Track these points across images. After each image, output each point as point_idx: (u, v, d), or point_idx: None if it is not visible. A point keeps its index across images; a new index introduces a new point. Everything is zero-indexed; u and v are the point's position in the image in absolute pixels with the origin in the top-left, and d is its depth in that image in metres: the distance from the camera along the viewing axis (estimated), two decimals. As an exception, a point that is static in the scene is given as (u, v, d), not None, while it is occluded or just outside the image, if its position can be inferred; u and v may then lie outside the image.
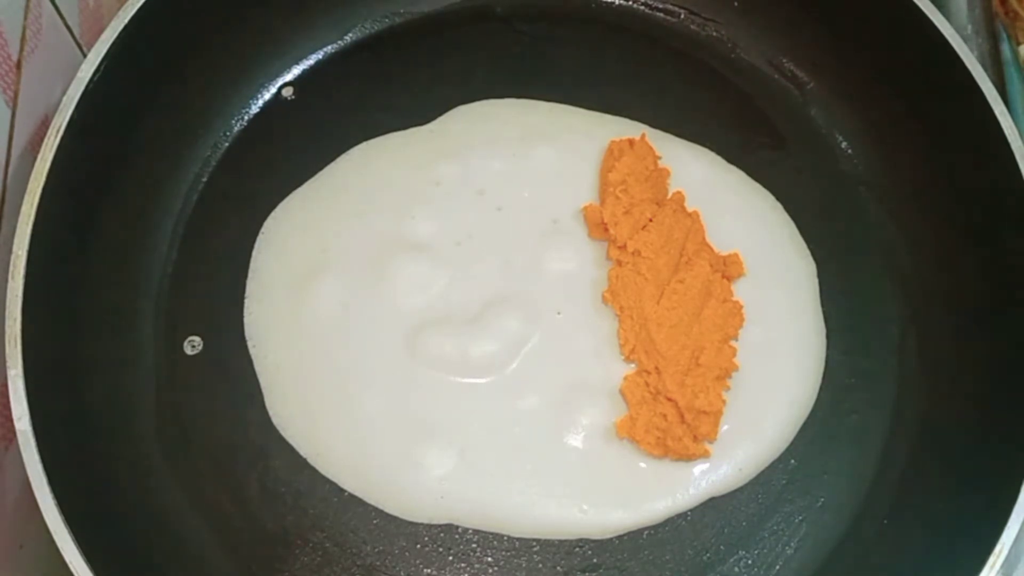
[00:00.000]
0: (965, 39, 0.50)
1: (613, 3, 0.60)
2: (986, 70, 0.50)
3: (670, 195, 0.54)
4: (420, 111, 0.56)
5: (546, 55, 0.58)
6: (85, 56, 0.48)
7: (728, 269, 0.52)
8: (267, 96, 0.57)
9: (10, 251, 0.44)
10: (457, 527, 0.48)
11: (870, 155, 0.56)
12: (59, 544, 0.41)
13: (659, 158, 0.54)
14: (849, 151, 0.56)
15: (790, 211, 0.54)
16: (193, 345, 0.51)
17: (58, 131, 0.46)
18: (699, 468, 0.49)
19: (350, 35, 0.58)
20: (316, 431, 0.49)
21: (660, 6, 0.59)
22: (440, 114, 0.56)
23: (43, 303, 0.44)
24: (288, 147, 0.55)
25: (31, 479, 0.41)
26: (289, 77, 0.57)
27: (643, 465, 0.49)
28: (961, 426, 0.48)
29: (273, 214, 0.54)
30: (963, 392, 0.49)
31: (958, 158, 0.51)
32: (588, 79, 0.57)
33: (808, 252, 0.54)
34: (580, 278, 0.52)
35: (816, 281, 0.53)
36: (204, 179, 0.55)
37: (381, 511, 0.48)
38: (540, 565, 0.48)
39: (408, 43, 0.58)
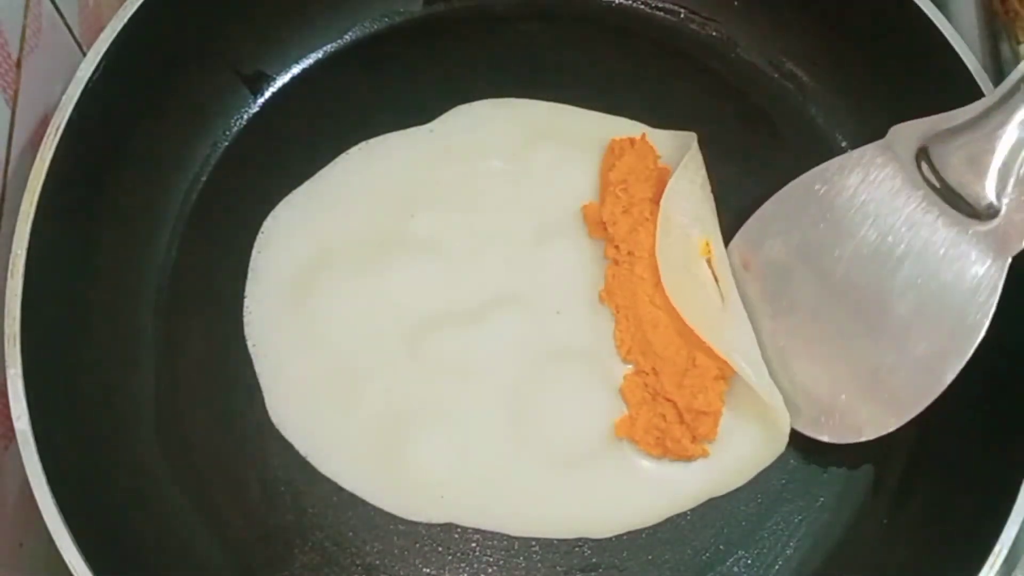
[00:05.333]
0: (965, 39, 0.50)
1: (613, 3, 0.60)
2: (986, 70, 0.50)
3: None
4: (420, 111, 0.56)
5: (546, 55, 0.58)
6: (85, 55, 0.48)
7: (727, 268, 0.52)
8: (267, 96, 0.57)
9: (9, 250, 0.44)
10: (457, 526, 0.48)
11: (870, 155, 0.56)
12: (59, 544, 0.41)
13: (659, 157, 0.54)
14: (849, 151, 0.56)
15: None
16: (192, 345, 0.51)
17: (58, 130, 0.46)
18: (698, 468, 0.49)
19: (350, 35, 0.58)
20: (316, 431, 0.49)
21: (660, 6, 0.59)
22: (440, 114, 0.56)
23: (42, 302, 0.44)
24: (288, 147, 0.55)
25: (30, 479, 0.41)
26: (289, 77, 0.57)
27: (643, 465, 0.49)
28: (961, 426, 0.48)
29: (273, 214, 0.54)
30: (963, 392, 0.49)
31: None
32: (588, 79, 0.57)
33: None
34: (580, 277, 0.52)
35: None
36: (204, 179, 0.55)
37: (381, 510, 0.48)
38: (540, 564, 0.48)
39: (408, 43, 0.58)
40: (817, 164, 0.55)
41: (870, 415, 0.47)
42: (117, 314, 0.50)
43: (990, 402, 0.47)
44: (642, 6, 0.60)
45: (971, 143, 0.45)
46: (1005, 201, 0.45)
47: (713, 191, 0.54)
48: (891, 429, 0.47)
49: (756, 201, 0.53)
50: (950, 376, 0.46)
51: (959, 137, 0.45)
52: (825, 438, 0.48)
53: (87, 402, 0.47)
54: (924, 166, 0.46)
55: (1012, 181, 0.44)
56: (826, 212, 0.49)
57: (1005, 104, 0.44)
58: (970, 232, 0.45)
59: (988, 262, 0.45)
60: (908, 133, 0.47)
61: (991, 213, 0.45)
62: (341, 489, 0.49)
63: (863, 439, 0.48)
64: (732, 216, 0.53)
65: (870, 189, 0.48)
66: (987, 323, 0.45)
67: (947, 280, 0.46)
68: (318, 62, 0.58)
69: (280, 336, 0.51)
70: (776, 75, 0.58)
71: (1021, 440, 0.44)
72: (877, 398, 0.47)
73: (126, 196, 0.51)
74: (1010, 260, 0.45)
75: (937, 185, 0.46)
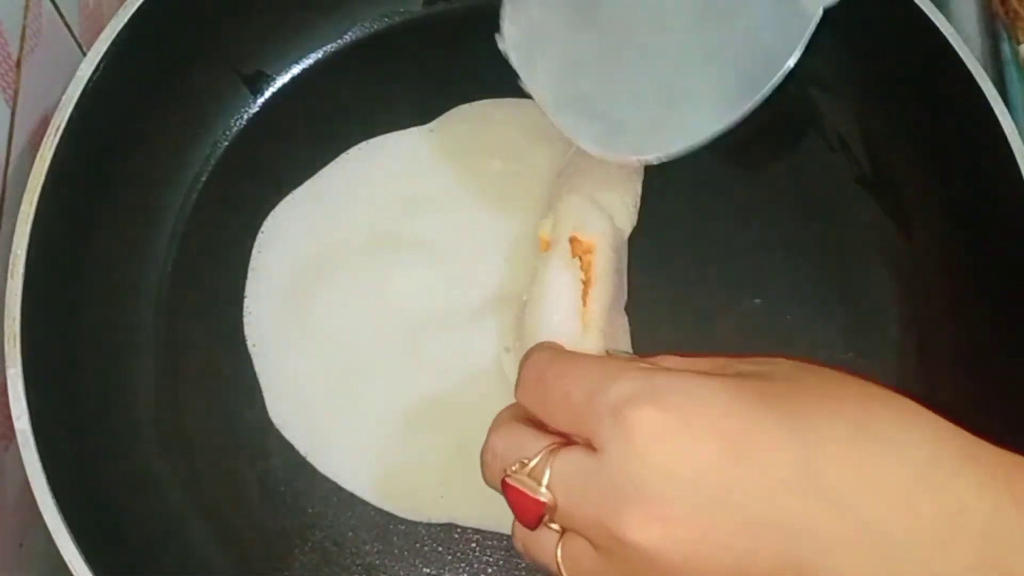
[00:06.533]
0: (965, 39, 0.50)
1: (613, 3, 0.60)
2: (986, 70, 0.50)
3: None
4: (420, 111, 0.56)
5: (546, 55, 0.58)
6: (85, 55, 0.48)
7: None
8: (267, 95, 0.57)
9: (9, 250, 0.44)
10: (457, 526, 0.48)
11: (870, 155, 0.56)
12: (59, 544, 0.41)
13: None
14: (849, 151, 0.56)
15: (789, 210, 0.55)
16: (192, 345, 0.51)
17: (57, 130, 0.46)
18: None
19: (350, 35, 0.58)
20: (316, 430, 0.49)
21: (660, 6, 0.59)
22: (440, 114, 0.56)
23: (42, 302, 0.44)
24: (288, 147, 0.55)
25: (30, 479, 0.41)
26: (289, 77, 0.57)
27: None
28: (960, 426, 0.48)
29: (273, 214, 0.54)
30: (963, 393, 0.49)
31: (958, 157, 0.51)
32: (588, 79, 0.57)
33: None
34: (580, 278, 0.52)
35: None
36: (204, 179, 0.55)
37: (380, 510, 0.48)
38: (540, 565, 0.48)
39: (408, 43, 0.58)
40: (815, 163, 0.56)
41: (655, 134, 0.46)
42: (117, 314, 0.50)
43: (991, 402, 0.47)
44: (642, 6, 0.60)
45: None
46: None
47: (711, 191, 0.54)
48: (672, 151, 0.46)
49: (754, 201, 0.53)
50: (739, 112, 0.45)
51: None
52: (600, 153, 0.46)
53: (87, 402, 0.47)
54: None
55: None
56: None
57: None
58: None
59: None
60: None
61: None
62: (341, 489, 0.49)
63: (640, 157, 0.46)
64: (730, 216, 0.53)
65: None
66: (790, 64, 0.45)
67: (756, 17, 0.46)
68: (318, 62, 0.58)
69: (280, 336, 0.51)
70: (776, 75, 0.58)
71: (1020, 441, 0.44)
72: (671, 120, 0.46)
73: (126, 196, 0.51)
74: (821, 11, 0.45)
75: None
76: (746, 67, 0.46)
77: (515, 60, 0.47)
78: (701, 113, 0.46)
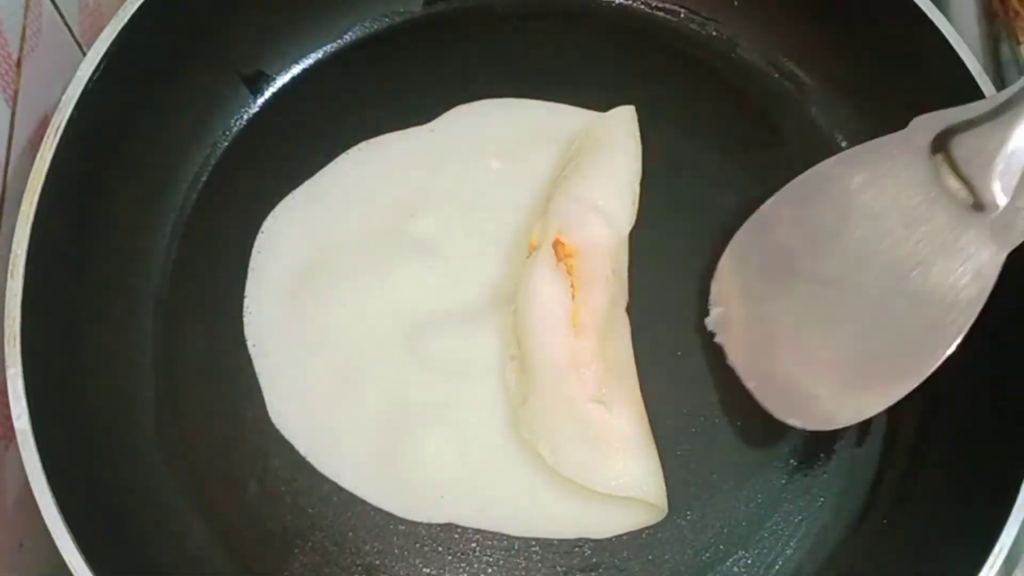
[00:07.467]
0: (965, 39, 0.50)
1: (613, 3, 0.60)
2: (986, 71, 0.50)
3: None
4: (420, 111, 0.56)
5: (546, 55, 0.58)
6: (85, 55, 0.48)
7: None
8: (267, 95, 0.57)
9: (9, 250, 0.44)
10: (457, 526, 0.48)
11: (870, 155, 0.56)
12: (58, 544, 0.41)
13: None
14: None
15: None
16: (192, 345, 0.51)
17: (58, 130, 0.46)
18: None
19: (350, 35, 0.58)
20: (315, 430, 0.49)
21: (660, 5, 0.59)
22: (440, 114, 0.56)
23: (43, 302, 0.45)
24: (288, 147, 0.56)
25: (30, 478, 0.41)
26: (289, 77, 0.57)
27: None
28: (961, 426, 0.48)
29: (273, 214, 0.54)
30: (963, 392, 0.49)
31: (958, 158, 0.51)
32: (588, 79, 0.57)
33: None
34: (580, 278, 0.52)
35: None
36: (204, 179, 0.55)
37: (381, 510, 0.48)
38: (540, 565, 0.48)
39: (408, 43, 0.58)
40: (816, 164, 0.56)
41: (847, 402, 0.47)
42: (117, 314, 0.50)
43: (990, 402, 0.47)
44: (642, 6, 0.60)
45: (985, 134, 0.45)
46: (1009, 193, 0.44)
47: (712, 191, 0.54)
48: (866, 417, 0.47)
49: (755, 201, 0.53)
50: (929, 369, 0.45)
51: (975, 128, 0.45)
52: (797, 423, 0.47)
53: (87, 402, 0.47)
54: (937, 157, 0.46)
55: (1020, 173, 0.44)
56: (838, 199, 0.48)
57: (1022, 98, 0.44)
58: (971, 225, 0.45)
59: (984, 256, 0.45)
60: (929, 123, 0.47)
61: (994, 205, 0.45)
62: (341, 489, 0.49)
63: (836, 427, 0.47)
64: (731, 216, 0.53)
65: (882, 181, 0.47)
66: (975, 314, 0.45)
67: (942, 273, 0.45)
68: (318, 62, 0.58)
69: (280, 336, 0.51)
70: (776, 75, 0.58)
71: (1021, 440, 0.44)
72: (857, 385, 0.47)
73: (126, 196, 0.51)
74: (1006, 255, 0.45)
75: (947, 176, 0.46)
76: (927, 329, 0.46)
77: (720, 339, 0.50)
78: (892, 375, 0.46)
